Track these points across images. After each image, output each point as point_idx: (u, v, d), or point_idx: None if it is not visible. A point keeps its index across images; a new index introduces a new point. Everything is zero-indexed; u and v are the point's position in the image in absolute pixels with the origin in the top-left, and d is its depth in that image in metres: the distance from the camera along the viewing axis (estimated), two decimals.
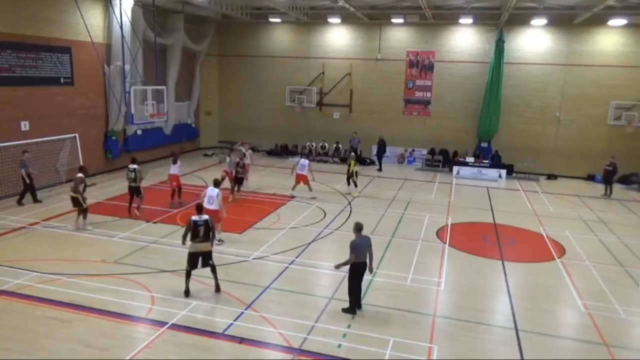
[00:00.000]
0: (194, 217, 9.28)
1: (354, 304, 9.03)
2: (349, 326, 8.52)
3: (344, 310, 8.98)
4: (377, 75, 25.30)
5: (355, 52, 25.46)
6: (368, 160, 24.90)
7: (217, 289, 9.60)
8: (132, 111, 18.43)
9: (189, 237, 9.34)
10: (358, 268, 8.93)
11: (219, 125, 28.42)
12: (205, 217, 9.37)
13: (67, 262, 10.84)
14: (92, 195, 16.44)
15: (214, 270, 9.55)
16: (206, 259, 9.46)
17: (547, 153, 23.54)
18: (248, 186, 17.99)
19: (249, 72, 27.16)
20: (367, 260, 8.99)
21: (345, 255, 11.85)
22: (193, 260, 9.37)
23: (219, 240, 12.04)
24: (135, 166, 14.31)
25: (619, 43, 21.98)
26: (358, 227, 9.08)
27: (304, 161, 17.19)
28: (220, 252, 11.71)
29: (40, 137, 16.51)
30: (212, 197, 11.89)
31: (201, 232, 9.22)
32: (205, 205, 11.61)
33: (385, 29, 24.79)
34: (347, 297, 9.07)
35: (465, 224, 15.22)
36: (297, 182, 17.13)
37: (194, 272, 10.46)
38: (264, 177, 20.79)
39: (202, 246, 9.35)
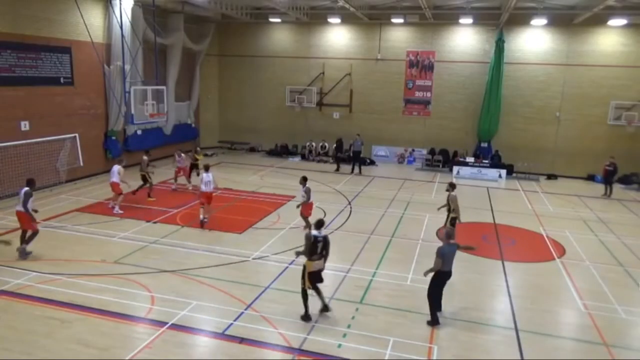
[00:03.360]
0: (314, 233, 8.63)
1: (436, 313, 8.74)
2: (349, 326, 8.51)
3: (429, 323, 8.67)
4: (377, 75, 25.29)
5: (355, 52, 25.46)
6: (368, 161, 24.91)
7: (326, 308, 8.87)
8: (132, 111, 18.43)
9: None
10: (444, 276, 8.68)
11: (219, 125, 28.43)
12: (323, 233, 8.76)
13: (67, 262, 10.85)
14: (93, 195, 16.50)
15: (320, 291, 8.88)
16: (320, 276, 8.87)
17: (547, 153, 23.54)
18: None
19: (249, 72, 27.15)
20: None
21: (347, 253, 11.98)
22: (314, 279, 8.70)
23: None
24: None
25: (619, 43, 21.97)
26: (449, 235, 8.79)
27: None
28: (220, 252, 11.74)
29: (40, 137, 16.50)
30: (209, 181, 13.66)
31: (319, 249, 8.63)
32: (204, 189, 13.64)
33: (385, 29, 24.78)
34: (346, 299, 9.00)
35: (465, 224, 15.16)
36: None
37: (193, 271, 10.53)
38: (264, 177, 20.80)
39: (320, 264, 8.71)
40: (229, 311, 8.86)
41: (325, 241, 8.70)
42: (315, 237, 8.60)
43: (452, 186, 12.78)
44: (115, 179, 14.64)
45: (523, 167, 23.12)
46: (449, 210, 12.57)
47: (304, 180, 13.35)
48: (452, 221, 12.52)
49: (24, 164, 15.84)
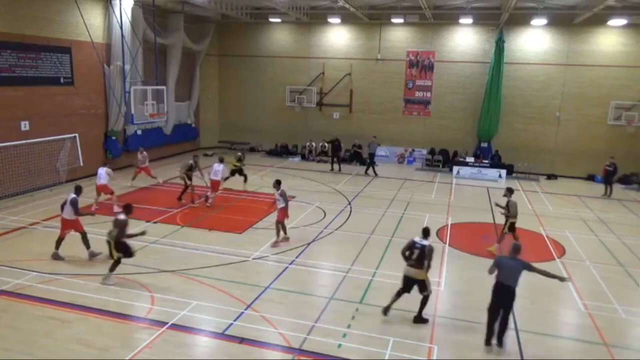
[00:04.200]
0: (416, 238, 8.68)
1: (490, 331, 8.03)
2: (349, 326, 8.52)
3: (485, 342, 8.07)
4: (377, 75, 25.29)
5: (355, 52, 25.46)
6: (368, 161, 24.90)
7: (418, 319, 8.73)
8: (132, 111, 18.42)
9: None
10: (498, 290, 7.95)
11: (219, 125, 28.42)
12: (425, 242, 8.57)
13: (67, 262, 10.84)
14: (93, 195, 16.43)
15: (423, 302, 8.72)
16: (419, 286, 8.68)
17: (547, 153, 23.54)
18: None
19: (249, 72, 27.16)
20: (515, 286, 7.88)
21: (347, 253, 11.99)
22: (403, 283, 8.77)
23: (209, 202, 15.64)
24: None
25: (619, 43, 21.97)
26: (515, 249, 8.14)
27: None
28: (220, 252, 11.75)
29: (40, 137, 16.48)
30: (218, 171, 15.55)
31: (414, 255, 8.56)
32: (213, 177, 15.51)
33: (385, 29, 24.78)
34: (346, 299, 8.99)
35: (465, 224, 15.22)
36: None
37: (193, 271, 10.53)
38: (264, 177, 20.79)
39: (411, 271, 8.62)
40: (229, 311, 8.86)
41: (423, 250, 8.47)
42: (414, 242, 8.64)
43: (510, 191, 12.62)
44: (104, 181, 14.54)
45: (523, 167, 23.13)
46: (507, 216, 12.38)
47: (277, 184, 12.68)
48: (511, 226, 12.36)
49: (24, 164, 15.83)
